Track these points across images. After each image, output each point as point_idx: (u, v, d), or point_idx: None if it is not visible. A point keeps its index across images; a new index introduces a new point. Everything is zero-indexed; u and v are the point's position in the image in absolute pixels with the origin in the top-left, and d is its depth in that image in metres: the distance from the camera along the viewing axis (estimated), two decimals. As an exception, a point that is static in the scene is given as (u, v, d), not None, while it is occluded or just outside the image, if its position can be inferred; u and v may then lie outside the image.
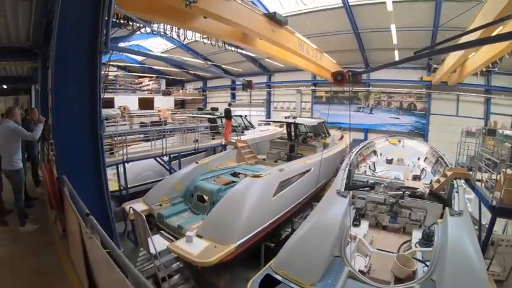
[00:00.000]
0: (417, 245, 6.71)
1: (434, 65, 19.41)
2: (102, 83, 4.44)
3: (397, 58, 18.04)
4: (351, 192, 7.98)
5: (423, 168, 12.31)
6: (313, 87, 26.56)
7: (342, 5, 16.69)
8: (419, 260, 5.88)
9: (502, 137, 15.22)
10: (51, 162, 4.54)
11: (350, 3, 16.59)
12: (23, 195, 6.24)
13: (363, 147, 13.35)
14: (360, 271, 5.57)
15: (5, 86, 19.73)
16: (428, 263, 5.38)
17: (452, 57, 14.47)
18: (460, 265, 4.71)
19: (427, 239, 6.67)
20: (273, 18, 10.45)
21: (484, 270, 4.88)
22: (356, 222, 7.63)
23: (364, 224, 7.80)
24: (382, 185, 8.81)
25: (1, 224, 6.15)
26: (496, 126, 17.84)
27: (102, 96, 4.53)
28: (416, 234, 7.19)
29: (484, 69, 16.17)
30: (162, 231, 7.76)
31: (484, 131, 16.45)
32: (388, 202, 8.04)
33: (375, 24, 17.64)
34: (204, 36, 13.16)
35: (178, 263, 7.02)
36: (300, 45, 12.78)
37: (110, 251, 2.21)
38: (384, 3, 12.98)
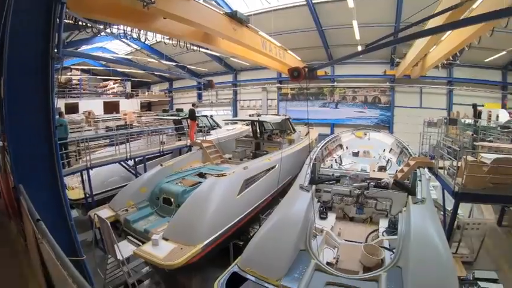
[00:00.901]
0: (384, 233, 6.90)
1: (397, 59, 20.04)
2: (55, 89, 4.33)
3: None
4: (315, 186, 8.16)
5: (388, 159, 12.66)
6: (279, 85, 26.78)
7: (305, 2, 16.88)
8: (386, 248, 6.05)
9: (463, 125, 15.99)
10: (7, 172, 4.39)
11: (313, 1, 16.80)
12: None
13: (328, 141, 13.60)
14: (328, 263, 5.73)
15: None
16: (395, 251, 5.54)
17: (413, 51, 14.97)
18: (424, 250, 4.89)
19: (393, 228, 6.89)
20: (234, 17, 10.50)
21: (448, 252, 5.06)
22: (323, 215, 7.78)
23: (331, 217, 7.95)
24: (347, 178, 8.99)
25: None
26: (458, 116, 18.65)
27: (56, 102, 4.42)
28: (383, 224, 7.41)
29: (446, 62, 16.80)
30: (129, 237, 7.65)
31: (445, 120, 17.19)
32: (354, 194, 8.24)
33: (338, 21, 17.96)
34: (166, 37, 13.03)
35: (147, 267, 6.97)
36: (262, 43, 12.89)
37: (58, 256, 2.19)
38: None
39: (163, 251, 6.23)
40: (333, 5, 16.79)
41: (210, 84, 14.68)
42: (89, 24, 9.77)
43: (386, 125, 23.01)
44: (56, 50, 4.21)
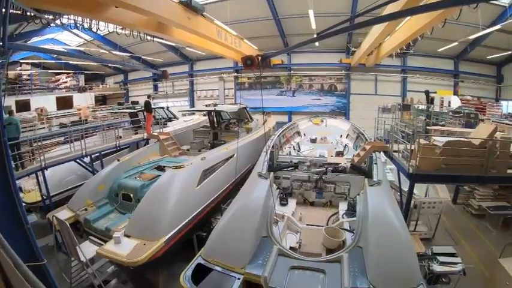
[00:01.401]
0: (344, 216, 7.15)
1: (353, 48, 20.70)
2: (2, 85, 4.11)
3: (316, 42, 18.81)
4: (273, 173, 8.27)
5: (346, 145, 13.06)
6: (235, 74, 26.77)
7: None
8: (346, 230, 6.26)
9: (417, 111, 16.76)
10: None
11: None
12: None
13: (286, 129, 13.77)
14: (292, 248, 5.86)
15: None
16: (355, 232, 5.74)
17: (368, 40, 15.41)
18: (383, 229, 5.11)
19: (352, 210, 7.14)
20: (189, 6, 10.35)
21: (406, 230, 5.33)
22: (283, 202, 7.93)
23: (292, 203, 8.10)
24: (306, 164, 9.16)
25: None
26: (412, 102, 19.57)
27: (4, 100, 4.20)
28: (343, 207, 7.65)
29: (400, 51, 17.50)
30: (91, 237, 7.49)
31: (399, 106, 17.95)
32: (313, 179, 8.43)
33: (294, 11, 18.24)
34: (119, 26, 12.61)
35: (112, 266, 6.86)
36: (218, 32, 12.80)
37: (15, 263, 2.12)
38: None
39: (126, 248, 6.15)
40: None
41: (164, 74, 14.46)
42: (37, 15, 9.28)
43: (342, 111, 23.83)
44: (1, 43, 4.00)
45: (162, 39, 17.05)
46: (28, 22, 10.42)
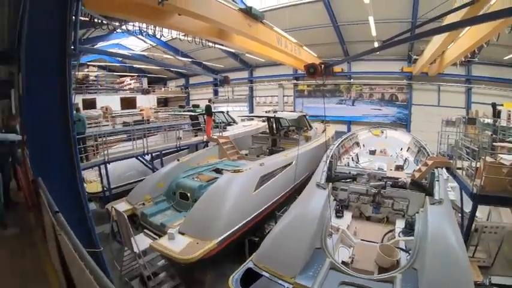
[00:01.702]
0: (400, 234, 6.77)
1: (415, 56, 19.68)
2: (72, 84, 4.41)
3: None
4: (331, 184, 8.03)
5: (406, 158, 12.49)
6: (295, 81, 26.56)
7: None
8: (402, 249, 5.94)
9: (482, 125, 15.60)
10: (26, 166, 4.51)
11: None
12: (2, 198, 6.19)
13: (345, 139, 13.38)
14: (343, 262, 5.66)
15: None
16: (411, 252, 5.45)
17: (431, 48, 14.65)
18: (441, 252, 4.78)
19: (409, 228, 6.75)
20: (249, 13, 10.45)
21: (465, 256, 4.94)
22: (339, 214, 7.69)
23: (348, 215, 7.84)
24: (364, 176, 8.84)
25: None
26: (477, 115, 18.20)
27: (77, 98, 4.49)
28: (400, 224, 7.26)
29: (464, 60, 16.42)
30: (145, 230, 7.79)
31: (464, 120, 16.82)
32: (371, 193, 8.06)
33: (354, 17, 17.72)
34: (182, 33, 13.08)
35: (163, 260, 7.06)
36: (277, 39, 12.83)
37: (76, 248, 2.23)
38: None
39: (179, 245, 6.30)
40: (349, 1, 16.51)
41: (226, 80, 14.70)
42: (104, 22, 9.87)
43: (403, 123, 22.61)
44: (72, 47, 4.28)
45: (223, 45, 17.46)
46: (95, 28, 11.13)
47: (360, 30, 18.38)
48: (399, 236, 6.69)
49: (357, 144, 14.58)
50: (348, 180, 8.71)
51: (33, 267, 4.46)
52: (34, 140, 4.24)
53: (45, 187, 3.73)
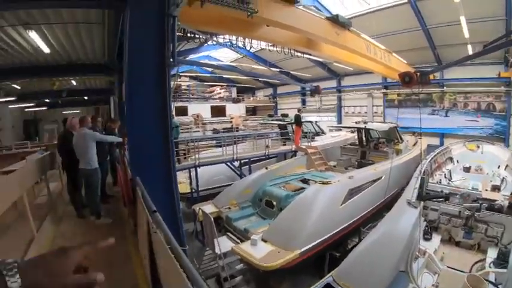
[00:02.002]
0: (491, 265, 6.09)
1: (512, 59, 17.30)
2: (171, 93, 4.81)
3: (470, 52, 16.30)
4: (423, 202, 7.52)
5: (503, 178, 11.04)
6: (384, 90, 25.28)
7: (406, 0, 15.92)
8: (491, 283, 5.36)
9: None
10: (125, 165, 5.02)
11: None
12: (99, 192, 6.93)
13: (438, 153, 12.44)
14: (426, 289, 5.29)
15: (86, 97, 22.05)
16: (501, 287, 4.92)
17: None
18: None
19: (502, 259, 6.03)
20: (336, 21, 10.31)
21: None
22: (427, 236, 7.12)
23: (436, 238, 7.26)
24: (458, 196, 8.05)
25: (79, 216, 6.87)
26: None
27: (172, 106, 4.88)
28: (492, 253, 6.50)
29: None
30: (228, 233, 8.05)
31: None
32: (463, 215, 7.35)
33: (443, 18, 16.36)
34: (270, 44, 13.39)
35: (241, 264, 7.20)
36: (366, 46, 12.46)
37: (171, 246, 2.41)
38: None
39: (261, 251, 6.41)
40: (437, 0, 15.36)
41: (317, 90, 14.65)
42: (197, 35, 10.51)
43: (501, 136, 19.67)
44: (171, 59, 4.68)
45: (311, 55, 17.46)
46: (188, 41, 11.92)
47: (451, 32, 16.84)
48: (490, 267, 6.00)
49: (450, 159, 13.38)
50: (440, 199, 8.03)
51: (121, 257, 4.89)
52: (135, 143, 4.71)
53: (142, 186, 4.09)
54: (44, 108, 25.03)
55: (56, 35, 8.88)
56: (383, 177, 9.64)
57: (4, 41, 9.03)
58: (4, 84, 14.90)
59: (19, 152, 14.51)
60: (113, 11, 6.86)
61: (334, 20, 10.27)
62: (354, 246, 7.54)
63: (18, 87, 16.72)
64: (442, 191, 8.41)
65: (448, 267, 6.24)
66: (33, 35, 8.10)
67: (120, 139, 7.67)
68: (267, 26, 9.37)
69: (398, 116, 22.86)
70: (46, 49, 9.41)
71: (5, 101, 17.97)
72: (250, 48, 12.68)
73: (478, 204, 7.33)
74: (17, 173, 5.12)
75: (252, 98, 35.20)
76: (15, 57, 10.81)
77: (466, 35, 13.90)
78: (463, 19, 12.81)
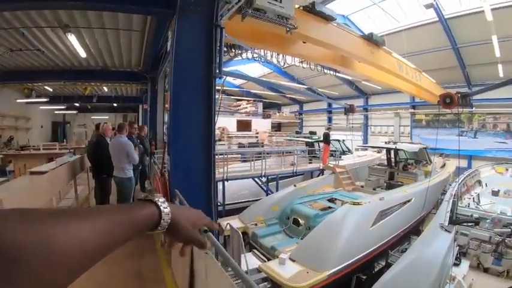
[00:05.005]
0: None
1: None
2: (216, 105, 4.79)
3: (501, 72, 16.41)
4: (456, 227, 7.27)
5: (533, 202, 10.68)
6: (412, 110, 24.84)
7: (437, 19, 15.69)
8: None
9: None
10: (164, 176, 4.97)
11: (445, 16, 15.52)
12: (131, 200, 6.86)
13: (467, 176, 12.03)
14: (455, 317, 5.03)
15: (115, 104, 22.55)
16: None
17: None
18: None
19: None
20: (370, 40, 10.33)
21: None
22: (456, 261, 6.82)
23: (465, 264, 6.97)
24: (488, 221, 7.85)
25: None
26: None
27: (216, 118, 4.84)
28: None
29: None
30: (254, 250, 7.88)
31: None
32: (494, 240, 7.11)
33: (474, 37, 16.06)
34: (302, 60, 13.37)
35: (266, 283, 7.01)
36: (398, 65, 12.32)
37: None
38: (482, 12, 11.97)
39: (289, 271, 6.21)
40: (468, 19, 15.13)
41: (352, 108, 14.52)
42: (233, 49, 10.58)
43: None
44: (217, 70, 4.66)
45: (338, 72, 17.29)
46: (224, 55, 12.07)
47: (481, 52, 16.46)
48: (519, 296, 5.75)
49: (479, 182, 12.91)
50: (470, 224, 7.78)
51: (151, 269, 4.85)
52: (176, 154, 4.66)
53: (183, 199, 4.03)
54: (74, 112, 25.65)
55: (94, 40, 9.07)
56: (413, 200, 9.41)
57: (42, 42, 9.25)
58: (37, 86, 15.26)
59: (47, 152, 14.76)
60: (155, 19, 6.94)
61: (369, 38, 10.26)
62: (381, 269, 7.45)
63: (50, 89, 17.20)
64: (472, 215, 8.26)
65: None
66: (72, 39, 8.24)
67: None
68: (303, 42, 9.37)
69: (426, 136, 22.45)
70: (83, 53, 9.59)
71: (37, 102, 18.40)
72: (284, 64, 12.65)
73: (510, 230, 7.20)
74: (50, 175, 5.12)
75: (278, 114, 35.20)
76: (51, 59, 11.10)
77: (498, 54, 13.56)
78: (494, 38, 12.54)
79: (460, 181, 10.67)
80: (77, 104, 22.18)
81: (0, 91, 15.17)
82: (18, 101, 16.97)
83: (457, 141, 20.05)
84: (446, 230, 6.75)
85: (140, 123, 16.99)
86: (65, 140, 22.01)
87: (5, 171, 11.55)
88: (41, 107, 21.13)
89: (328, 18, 8.26)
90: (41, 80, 13.80)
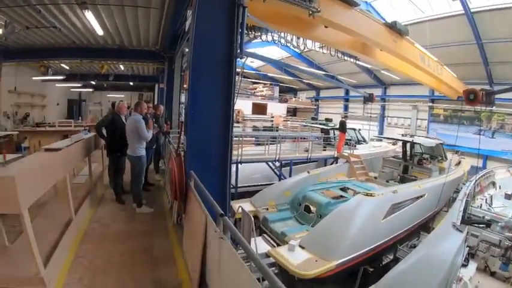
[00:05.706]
0: None
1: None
2: (236, 86, 4.71)
3: None
4: (467, 227, 7.21)
5: (546, 207, 10.45)
6: (431, 104, 24.15)
7: (463, 12, 15.13)
8: None
9: None
10: (180, 156, 4.93)
11: (471, 10, 14.94)
12: (142, 179, 6.94)
13: (481, 176, 11.89)
14: (458, 319, 5.05)
15: (131, 83, 22.60)
16: None
17: None
18: None
19: None
20: (394, 28, 10.02)
21: None
22: (465, 263, 6.79)
23: (472, 266, 6.95)
24: (500, 224, 7.80)
25: (119, 202, 6.95)
26: None
27: (235, 99, 4.76)
28: None
29: None
30: (264, 235, 7.92)
31: None
32: (503, 245, 7.11)
33: (500, 33, 15.46)
34: (323, 45, 13.10)
35: (273, 268, 7.04)
36: (420, 57, 11.98)
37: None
38: (510, 8, 11.85)
39: (297, 258, 6.22)
40: (495, 14, 14.55)
41: (371, 97, 14.28)
42: (252, 31, 10.38)
43: None
44: (238, 50, 4.55)
45: (358, 59, 16.93)
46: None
47: (507, 49, 15.93)
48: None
49: (493, 184, 12.76)
50: (482, 225, 7.72)
51: (162, 249, 4.88)
52: (194, 135, 4.61)
53: (199, 180, 3.99)
54: (90, 90, 25.92)
55: (111, 17, 8.94)
56: (426, 195, 9.27)
57: (58, 20, 9.16)
58: (53, 63, 15.25)
59: (62, 130, 14.99)
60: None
61: (392, 26, 9.99)
62: (388, 262, 7.46)
63: (67, 67, 17.30)
64: (484, 217, 8.18)
65: None
66: (89, 15, 8.12)
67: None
68: (325, 27, 9.16)
69: (443, 132, 22.03)
70: (100, 31, 9.49)
71: (53, 80, 18.56)
72: (304, 48, 12.39)
73: None
74: (64, 152, 5.11)
75: (294, 99, 34.89)
76: (67, 37, 11.04)
77: (523, 52, 13.09)
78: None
79: (474, 181, 10.49)
80: (93, 82, 22.32)
81: (16, 69, 15.24)
82: (34, 78, 17.01)
83: (473, 139, 20.03)
84: (458, 229, 6.74)
85: (156, 102, 17.01)
86: (80, 118, 22.22)
87: (20, 148, 11.74)
88: (57, 85, 21.26)
89: (351, 4, 8.03)
90: (57, 57, 13.83)
